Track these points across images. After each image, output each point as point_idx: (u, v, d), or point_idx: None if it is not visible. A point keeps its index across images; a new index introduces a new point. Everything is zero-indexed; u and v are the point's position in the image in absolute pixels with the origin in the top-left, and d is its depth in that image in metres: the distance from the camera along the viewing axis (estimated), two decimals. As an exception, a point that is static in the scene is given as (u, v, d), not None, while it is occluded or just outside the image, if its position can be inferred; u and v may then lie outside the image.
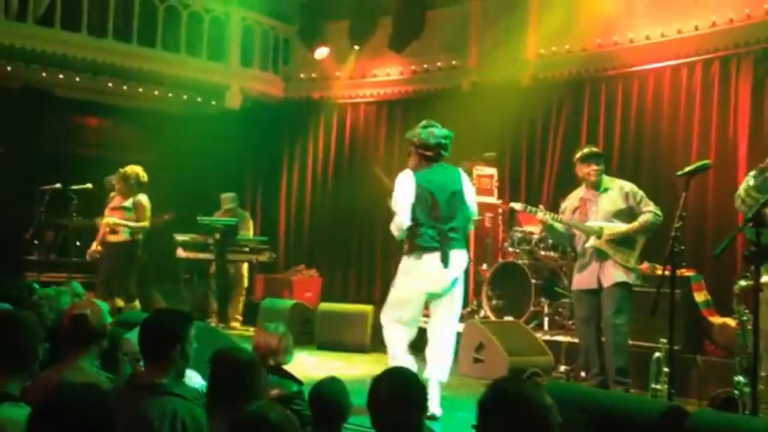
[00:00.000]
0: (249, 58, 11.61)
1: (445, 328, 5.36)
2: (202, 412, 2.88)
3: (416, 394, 2.83)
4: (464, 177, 5.43)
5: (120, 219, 7.98)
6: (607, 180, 5.95)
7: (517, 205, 6.46)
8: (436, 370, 5.25)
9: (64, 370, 3.19)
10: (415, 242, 5.22)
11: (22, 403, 2.65)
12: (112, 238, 8.04)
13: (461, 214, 5.32)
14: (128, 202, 8.02)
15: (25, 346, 2.81)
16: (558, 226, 6.01)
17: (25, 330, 2.84)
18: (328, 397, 3.36)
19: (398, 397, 2.77)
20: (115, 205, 8.08)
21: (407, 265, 5.30)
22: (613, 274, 5.73)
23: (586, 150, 6.05)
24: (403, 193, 5.23)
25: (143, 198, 8.04)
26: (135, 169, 8.11)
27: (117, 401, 2.83)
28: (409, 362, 5.15)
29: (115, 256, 8.00)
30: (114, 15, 10.37)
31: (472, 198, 5.43)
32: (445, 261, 5.16)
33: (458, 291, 5.36)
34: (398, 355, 5.27)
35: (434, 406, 5.12)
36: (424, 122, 5.54)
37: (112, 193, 8.31)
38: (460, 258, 5.27)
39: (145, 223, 8.05)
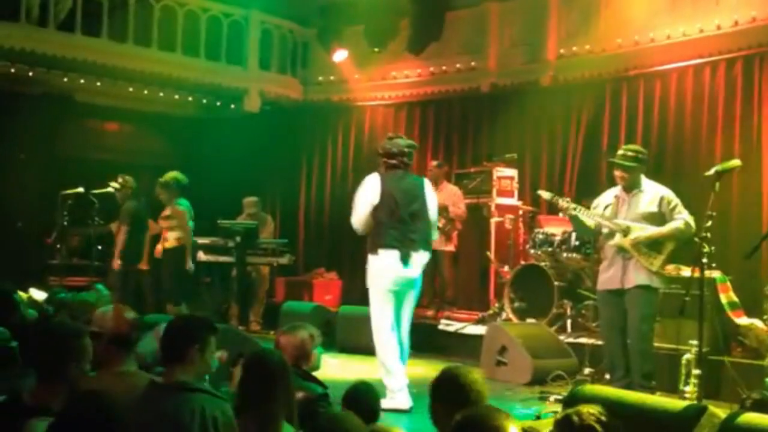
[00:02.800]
0: (268, 62, 11.64)
1: (404, 324, 5.77)
2: (230, 408, 2.88)
3: None
4: (428, 186, 5.87)
5: (166, 228, 8.24)
6: (644, 182, 5.84)
7: (544, 194, 6.42)
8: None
9: (123, 375, 3.17)
10: (377, 240, 5.63)
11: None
12: (164, 245, 8.31)
13: (423, 220, 5.72)
14: (169, 210, 8.16)
15: (68, 356, 2.79)
16: (583, 218, 5.95)
17: (72, 341, 2.82)
18: (364, 401, 3.38)
19: None
20: (164, 215, 8.26)
21: (372, 266, 5.68)
22: (635, 276, 5.65)
23: (621, 152, 5.88)
24: (365, 193, 5.66)
25: (180, 205, 8.15)
26: (172, 175, 8.22)
27: (142, 404, 2.84)
28: (401, 375, 5.56)
29: (164, 262, 8.18)
30: (134, 20, 10.43)
31: (434, 206, 5.84)
32: (405, 261, 5.57)
33: (418, 289, 5.83)
34: (392, 368, 5.57)
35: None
36: (390, 134, 6.16)
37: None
38: (421, 259, 5.68)
39: (181, 232, 8.14)
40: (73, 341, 2.88)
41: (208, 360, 3.05)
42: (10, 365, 3.47)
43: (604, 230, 5.88)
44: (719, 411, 3.31)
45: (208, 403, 2.81)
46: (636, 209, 5.74)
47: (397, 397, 5.46)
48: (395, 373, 5.53)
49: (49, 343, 2.79)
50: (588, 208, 5.99)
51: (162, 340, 3.08)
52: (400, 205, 5.61)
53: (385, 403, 5.22)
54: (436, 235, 6.11)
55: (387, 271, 5.61)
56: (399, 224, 5.60)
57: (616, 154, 5.87)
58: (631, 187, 5.80)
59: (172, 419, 2.75)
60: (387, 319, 5.62)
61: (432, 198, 5.83)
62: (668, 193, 5.77)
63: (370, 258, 5.70)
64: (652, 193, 5.77)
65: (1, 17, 9.46)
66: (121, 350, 3.31)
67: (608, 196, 5.97)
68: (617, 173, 5.83)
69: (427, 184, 5.88)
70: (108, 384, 2.96)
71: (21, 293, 5.63)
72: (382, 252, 5.60)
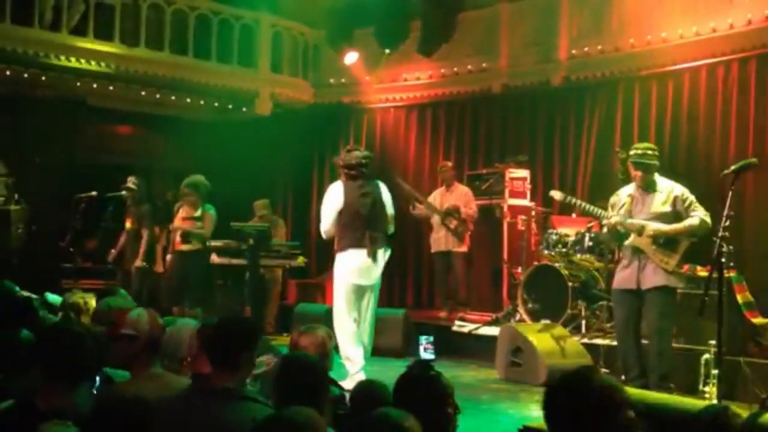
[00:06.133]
0: (279, 65, 11.66)
1: (367, 315, 6.42)
2: None
3: None
4: (383, 187, 6.51)
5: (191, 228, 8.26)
6: (658, 181, 5.81)
7: (556, 194, 6.63)
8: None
9: (155, 378, 3.19)
10: (344, 241, 6.26)
11: (70, 423, 2.62)
12: (185, 247, 8.28)
13: (382, 220, 6.39)
14: (198, 212, 8.19)
15: (80, 361, 2.79)
16: (597, 215, 6.04)
17: (80, 345, 2.81)
18: (373, 400, 3.35)
19: None
20: (185, 216, 8.27)
21: (338, 263, 6.32)
22: (653, 277, 5.62)
23: (639, 151, 5.87)
24: (330, 201, 6.30)
25: (212, 209, 8.22)
26: (201, 179, 8.28)
27: (183, 406, 2.81)
28: (358, 357, 6.19)
29: (188, 264, 8.21)
30: (146, 24, 10.48)
31: (389, 202, 6.50)
32: (373, 257, 6.22)
33: (378, 283, 6.45)
34: (350, 354, 6.22)
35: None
36: (348, 147, 6.89)
37: (178, 204, 8.50)
38: (383, 255, 6.35)
39: (206, 233, 8.21)
40: (95, 345, 2.89)
41: (254, 362, 3.04)
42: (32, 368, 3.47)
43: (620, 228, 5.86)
44: (740, 412, 3.29)
45: (260, 413, 2.71)
46: (650, 209, 5.72)
47: (355, 378, 5.89)
48: (353, 359, 6.20)
49: (74, 347, 2.79)
50: (605, 208, 5.99)
51: (212, 342, 2.98)
52: (362, 208, 6.25)
53: (345, 384, 5.38)
54: (392, 229, 6.57)
55: (354, 268, 6.25)
56: (362, 226, 6.24)
57: (633, 153, 5.82)
58: (647, 185, 5.77)
59: (219, 427, 2.69)
60: (349, 312, 6.28)
61: (387, 197, 6.48)
62: (682, 191, 5.72)
63: (338, 256, 6.32)
64: (666, 192, 5.73)
65: (14, 22, 9.52)
66: (152, 354, 3.36)
67: (623, 195, 5.95)
68: (636, 173, 5.80)
69: (382, 186, 6.51)
70: (142, 387, 2.97)
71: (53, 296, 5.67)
72: (350, 251, 6.24)
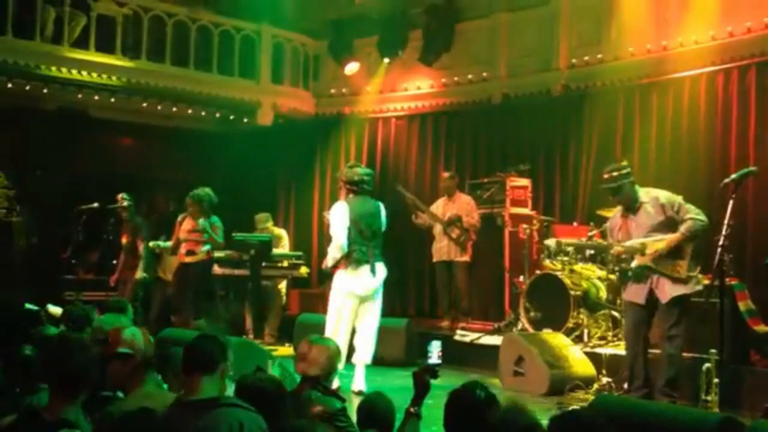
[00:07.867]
0: (280, 75, 11.73)
1: (371, 324, 6.68)
2: (263, 422, 2.85)
3: None
4: (382, 208, 6.80)
5: (194, 242, 8.32)
6: (640, 194, 5.76)
7: (551, 242, 7.33)
8: (364, 355, 6.67)
9: (152, 396, 3.20)
10: (352, 257, 6.52)
11: (78, 430, 2.66)
12: (188, 259, 8.35)
13: (380, 234, 6.70)
14: (199, 225, 8.22)
15: (82, 370, 2.79)
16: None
17: (81, 354, 2.82)
18: (379, 412, 3.38)
19: None
20: (191, 228, 8.29)
21: (343, 278, 6.56)
22: (669, 290, 5.55)
23: (605, 175, 5.84)
24: (340, 220, 6.54)
25: (217, 221, 8.26)
26: (207, 191, 8.31)
27: (174, 420, 2.83)
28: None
29: (190, 275, 8.29)
30: (147, 36, 10.53)
31: (384, 219, 6.78)
32: (373, 271, 6.54)
33: (380, 294, 6.74)
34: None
35: (360, 383, 6.55)
36: (350, 163, 7.22)
37: (181, 216, 8.50)
38: (382, 269, 6.67)
39: (211, 246, 8.25)
40: (96, 355, 2.91)
41: (229, 372, 3.06)
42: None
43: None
44: (743, 420, 3.30)
45: (246, 418, 2.78)
46: (645, 223, 5.67)
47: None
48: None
49: (79, 357, 2.81)
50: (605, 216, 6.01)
51: (194, 349, 3.03)
52: (366, 226, 6.55)
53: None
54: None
55: (359, 282, 6.52)
56: (366, 242, 6.55)
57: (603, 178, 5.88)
58: (630, 203, 5.77)
59: None
60: (344, 320, 6.54)
61: (384, 217, 6.76)
62: (667, 197, 5.68)
63: (343, 271, 6.53)
64: (652, 202, 5.69)
65: (16, 35, 9.58)
66: (146, 371, 3.39)
67: (616, 218, 5.96)
68: (611, 197, 5.85)
69: (382, 207, 6.78)
70: (143, 404, 2.96)
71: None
72: (356, 266, 6.50)
